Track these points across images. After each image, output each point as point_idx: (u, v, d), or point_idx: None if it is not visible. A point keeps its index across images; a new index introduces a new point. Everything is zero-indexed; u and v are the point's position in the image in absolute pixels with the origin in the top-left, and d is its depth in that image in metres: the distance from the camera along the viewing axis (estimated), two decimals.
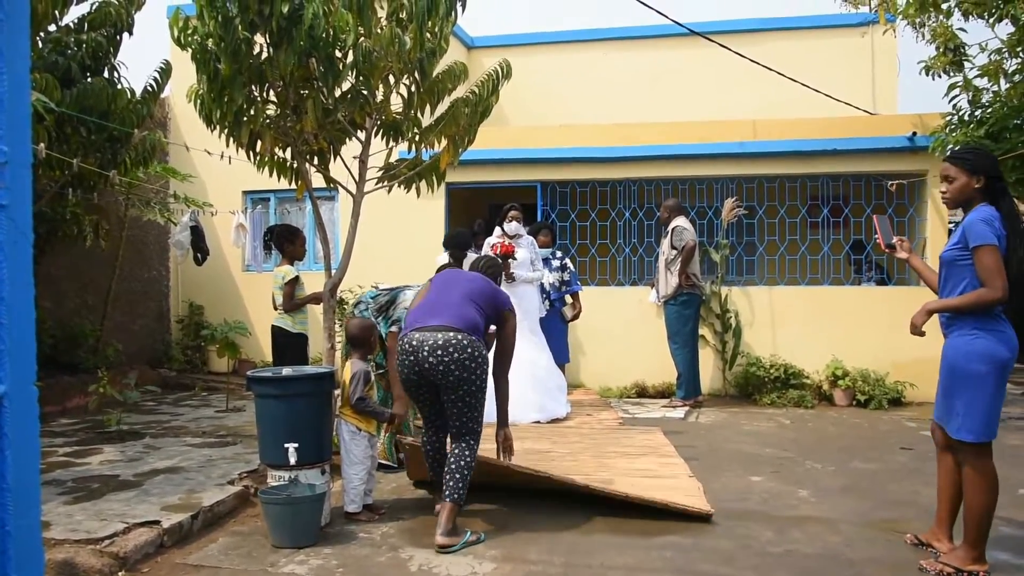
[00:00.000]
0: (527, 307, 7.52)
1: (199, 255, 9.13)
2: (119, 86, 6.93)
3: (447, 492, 4.23)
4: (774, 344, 9.12)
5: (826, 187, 9.38)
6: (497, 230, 7.96)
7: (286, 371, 4.58)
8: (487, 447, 4.73)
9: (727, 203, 9.07)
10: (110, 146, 6.99)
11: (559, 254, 8.65)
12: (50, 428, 6.99)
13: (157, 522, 4.20)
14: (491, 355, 4.61)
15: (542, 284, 8.21)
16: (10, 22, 2.03)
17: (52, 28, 6.83)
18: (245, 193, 10.69)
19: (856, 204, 9.35)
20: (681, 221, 8.56)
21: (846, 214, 9.30)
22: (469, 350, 4.21)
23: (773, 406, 8.54)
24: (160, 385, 9.66)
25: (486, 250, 7.53)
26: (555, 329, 8.36)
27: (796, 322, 9.13)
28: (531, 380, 7.26)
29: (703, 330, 9.20)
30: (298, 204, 10.53)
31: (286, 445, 4.27)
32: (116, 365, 9.12)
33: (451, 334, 4.21)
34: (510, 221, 7.86)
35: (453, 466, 4.27)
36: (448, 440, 4.55)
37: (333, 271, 6.03)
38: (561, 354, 8.40)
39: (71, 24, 6.97)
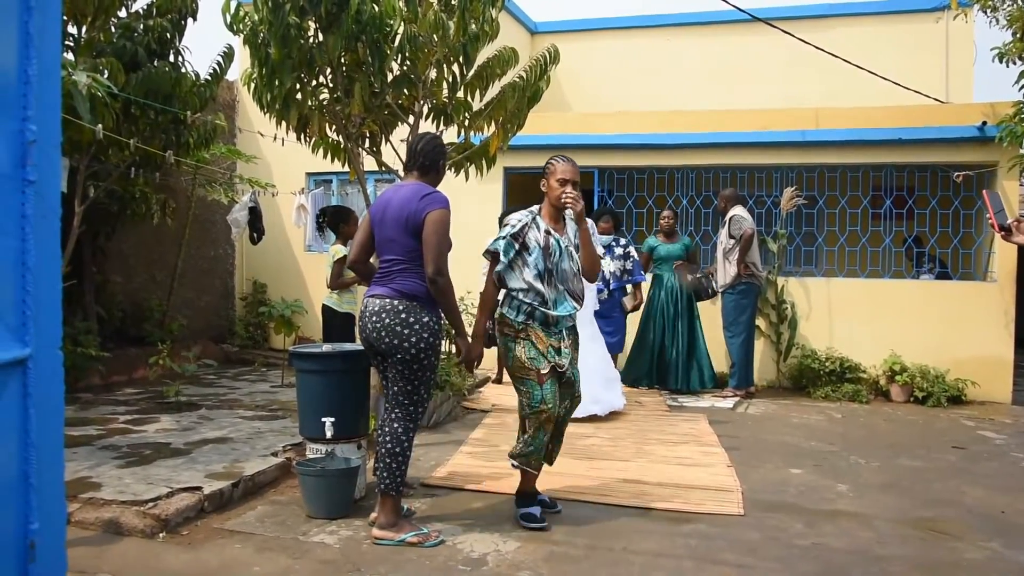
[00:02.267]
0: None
1: (255, 234, 9.39)
2: (183, 70, 7.18)
3: (378, 483, 3.99)
4: (830, 337, 8.95)
5: (890, 177, 9.14)
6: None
7: (326, 347, 4.72)
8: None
9: (786, 192, 8.92)
10: (174, 128, 7.25)
11: (622, 241, 8.31)
12: (114, 397, 7.32)
13: (199, 488, 4.39)
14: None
15: (603, 273, 7.84)
16: (41, 10, 2.17)
17: (122, 14, 7.11)
18: (308, 175, 10.93)
19: (920, 195, 9.08)
20: (739, 210, 8.46)
21: (910, 206, 9.05)
22: (403, 315, 3.93)
23: (827, 400, 8.39)
24: (222, 360, 10.01)
25: None
26: (614, 319, 8.12)
27: (854, 315, 8.94)
28: (585, 373, 6.89)
29: (758, 320, 9.09)
30: (358, 186, 10.71)
31: (323, 419, 4.41)
32: (181, 339, 9.47)
33: (386, 300, 3.97)
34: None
35: (381, 451, 3.99)
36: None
37: None
38: (616, 345, 8.14)
39: (139, 10, 7.25)
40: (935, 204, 8.93)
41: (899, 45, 11.02)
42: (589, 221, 6.88)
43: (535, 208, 4.54)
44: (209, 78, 7.45)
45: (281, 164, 10.65)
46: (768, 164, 9.34)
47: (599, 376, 6.98)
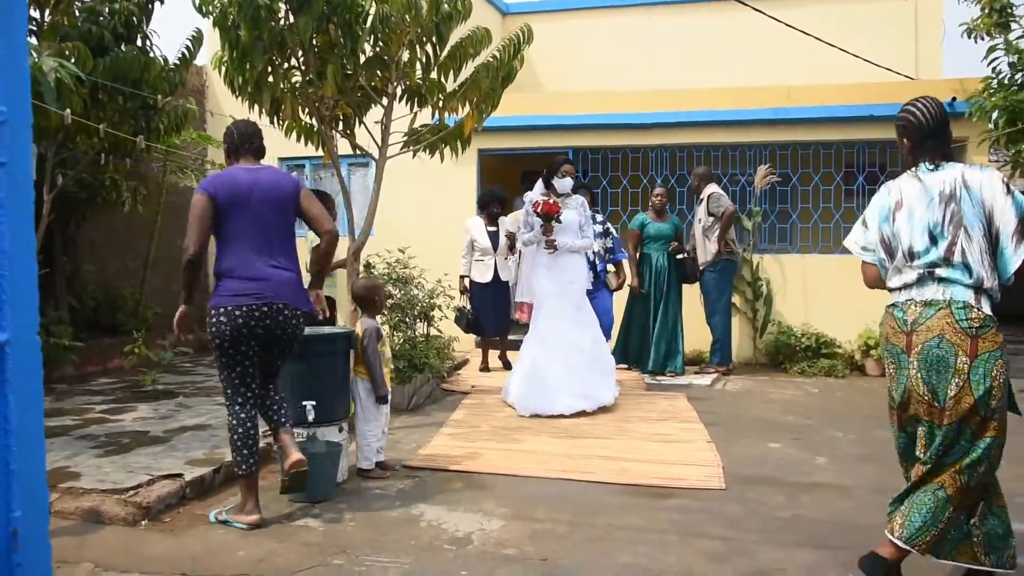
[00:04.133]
0: (571, 279, 6.52)
1: None
2: (151, 54, 7.06)
3: (285, 419, 4.11)
4: (806, 313, 9.04)
5: (862, 154, 9.21)
6: (538, 186, 6.67)
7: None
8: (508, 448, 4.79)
9: (760, 170, 8.97)
10: (143, 113, 7.14)
11: (600, 218, 8.02)
12: (89, 387, 7.24)
13: (180, 475, 4.36)
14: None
15: (585, 253, 7.24)
16: None
17: None
18: (281, 160, 10.81)
19: (892, 171, 9.14)
20: (715, 188, 8.49)
21: (882, 181, 9.08)
22: (304, 295, 4.21)
23: (803, 375, 8.48)
24: (198, 347, 9.90)
25: (526, 207, 6.58)
26: (602, 302, 7.73)
27: (829, 291, 9.02)
28: (574, 363, 6.34)
29: (734, 297, 9.15)
30: (331, 170, 10.61)
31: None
32: (155, 327, 9.37)
33: (293, 282, 4.13)
34: (563, 176, 6.52)
35: (283, 397, 4.23)
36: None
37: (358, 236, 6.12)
38: (605, 329, 7.45)
39: None
40: None
41: (870, 23, 11.05)
42: (579, 197, 6.74)
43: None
44: (178, 63, 7.34)
45: None
46: (742, 142, 9.40)
47: (591, 367, 6.46)
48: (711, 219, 8.34)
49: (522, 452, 5.29)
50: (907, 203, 3.15)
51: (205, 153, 10.46)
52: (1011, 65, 7.45)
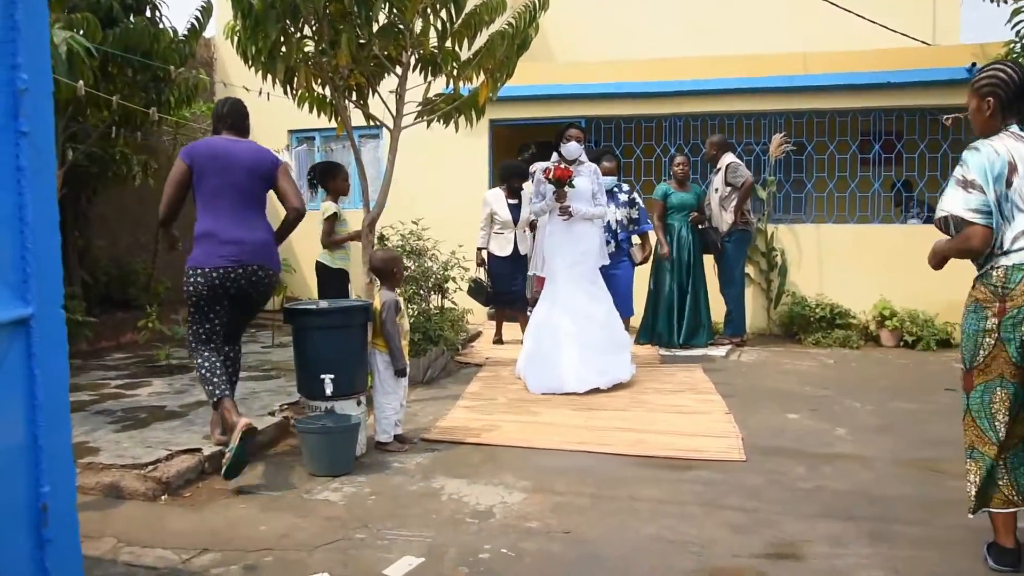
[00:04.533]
0: (585, 249, 6.32)
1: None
2: (161, 25, 6.98)
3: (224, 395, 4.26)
4: (820, 283, 8.97)
5: (878, 122, 9.09)
6: (554, 156, 6.54)
7: (322, 304, 4.66)
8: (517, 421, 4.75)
9: (775, 139, 8.85)
10: (154, 86, 7.08)
11: (626, 187, 7.68)
12: (103, 362, 7.24)
13: (199, 450, 4.35)
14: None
15: (608, 223, 7.20)
16: None
17: None
18: (290, 132, 10.77)
19: (909, 140, 9.05)
20: (733, 158, 8.38)
21: (898, 150, 9.01)
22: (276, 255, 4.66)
23: (817, 346, 8.43)
24: None
25: (537, 175, 6.48)
26: (622, 276, 7.40)
27: (844, 261, 8.95)
28: (588, 337, 6.15)
29: (748, 268, 9.09)
30: (342, 142, 10.54)
31: (322, 376, 4.36)
32: (168, 302, 9.35)
33: (267, 243, 4.55)
34: (568, 142, 6.35)
35: (232, 369, 4.54)
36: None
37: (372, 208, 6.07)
38: (625, 306, 7.30)
39: None
40: (924, 148, 8.91)
41: None
42: (591, 164, 6.56)
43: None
44: (187, 34, 7.25)
45: (262, 122, 10.33)
46: (756, 111, 9.28)
47: (605, 341, 6.25)
48: (728, 189, 8.24)
49: (539, 424, 5.27)
50: (1022, 164, 3.03)
51: None
52: None
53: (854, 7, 9.68)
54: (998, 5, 7.64)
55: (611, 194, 7.33)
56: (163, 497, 3.93)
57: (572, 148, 6.36)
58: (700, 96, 9.22)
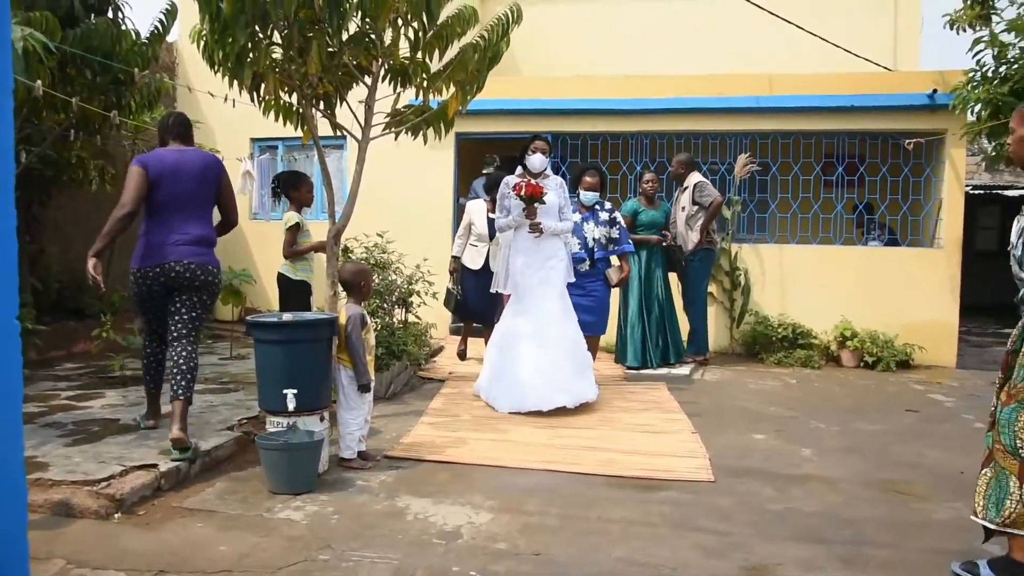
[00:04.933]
0: (553, 265, 6.17)
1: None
2: (123, 27, 6.80)
3: (181, 393, 4.50)
4: (783, 303, 9.03)
5: (842, 145, 9.21)
6: (519, 169, 6.44)
7: (286, 317, 4.54)
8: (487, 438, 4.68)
9: (740, 159, 8.92)
10: (114, 89, 6.87)
11: (607, 205, 7.33)
12: (54, 372, 7.01)
13: (155, 465, 4.19)
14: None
15: (585, 240, 7.02)
16: None
17: None
18: (253, 140, 10.60)
19: (872, 163, 9.18)
20: (699, 176, 8.39)
21: (861, 173, 9.12)
22: (213, 255, 4.94)
23: (780, 366, 8.47)
24: None
25: (502, 190, 6.31)
26: (597, 295, 7.11)
27: (806, 281, 9.03)
28: (554, 355, 5.97)
29: (712, 287, 9.13)
30: (306, 152, 10.42)
31: (284, 391, 4.24)
32: (123, 311, 9.11)
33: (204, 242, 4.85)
34: (533, 153, 6.25)
35: (185, 367, 4.58)
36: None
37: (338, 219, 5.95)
38: (598, 324, 7.14)
39: None
40: (886, 171, 9.03)
41: (849, 11, 11.01)
42: (555, 177, 6.43)
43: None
44: (151, 37, 7.07)
45: (225, 130, 10.29)
46: (722, 130, 9.34)
47: (571, 360, 6.07)
48: (695, 208, 8.26)
49: (505, 442, 5.19)
50: None
51: None
52: (994, 58, 7.45)
53: (820, 31, 9.84)
54: (958, 33, 7.79)
55: (592, 211, 7.17)
56: (116, 515, 3.77)
57: (536, 161, 6.25)
58: (667, 114, 9.26)
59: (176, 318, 4.71)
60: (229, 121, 9.31)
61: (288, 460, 4.13)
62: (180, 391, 4.50)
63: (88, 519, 3.73)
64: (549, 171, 6.42)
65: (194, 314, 4.74)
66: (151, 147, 9.02)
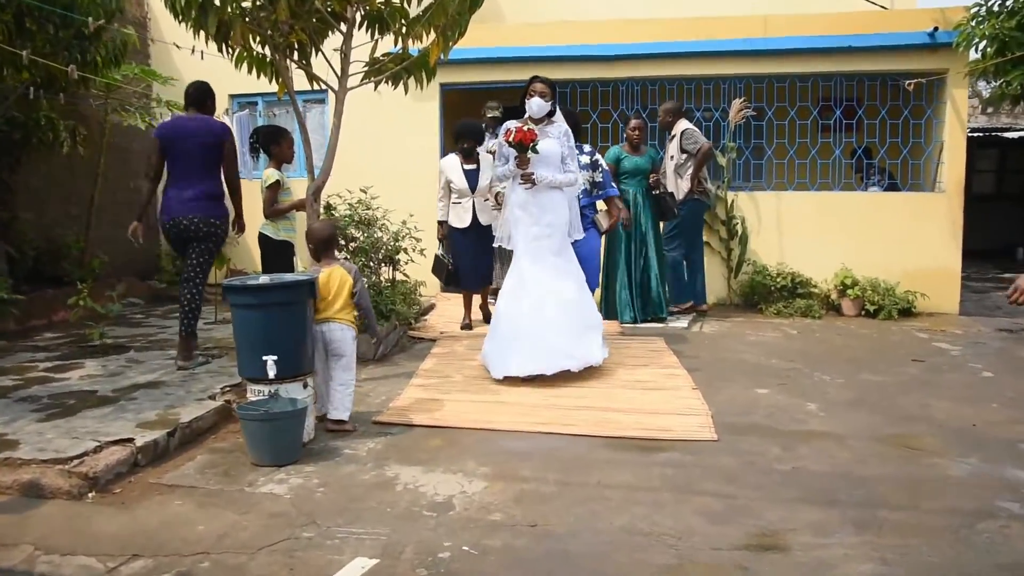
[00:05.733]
0: (551, 220, 5.66)
1: None
2: None
3: (185, 328, 5.61)
4: (781, 252, 8.82)
5: (839, 87, 8.90)
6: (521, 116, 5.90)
7: (263, 279, 4.29)
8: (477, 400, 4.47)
9: (735, 104, 8.63)
10: (78, 44, 6.52)
11: (588, 148, 6.89)
12: (33, 343, 6.76)
13: (131, 440, 3.98)
14: None
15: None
16: None
17: None
18: (231, 96, 10.24)
19: (870, 105, 8.89)
20: (686, 124, 8.13)
21: (859, 116, 8.84)
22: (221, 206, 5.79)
23: (779, 316, 8.29)
24: (149, 297, 9.45)
25: (500, 137, 5.79)
26: (588, 246, 6.55)
27: (804, 229, 8.81)
28: (555, 316, 5.55)
29: (708, 237, 8.91)
30: (286, 107, 10.04)
31: (264, 357, 4.02)
32: (103, 277, 8.85)
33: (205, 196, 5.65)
34: (531, 97, 5.68)
35: (189, 307, 5.58)
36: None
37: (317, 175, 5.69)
38: (591, 279, 6.47)
39: None
40: (885, 114, 8.76)
41: None
42: (562, 124, 5.84)
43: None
44: None
45: None
46: (716, 75, 9.03)
47: (573, 320, 5.62)
48: (684, 156, 8.00)
49: (498, 404, 4.99)
50: None
51: (150, 89, 9.81)
52: None
53: None
54: None
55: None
56: (90, 495, 3.57)
57: (535, 105, 5.65)
58: (658, 59, 8.95)
59: (186, 263, 5.63)
60: (205, 76, 8.89)
61: (270, 430, 3.93)
62: (183, 327, 5.59)
63: (60, 500, 3.52)
64: (558, 117, 5.87)
65: (200, 259, 5.60)
66: (122, 105, 8.77)
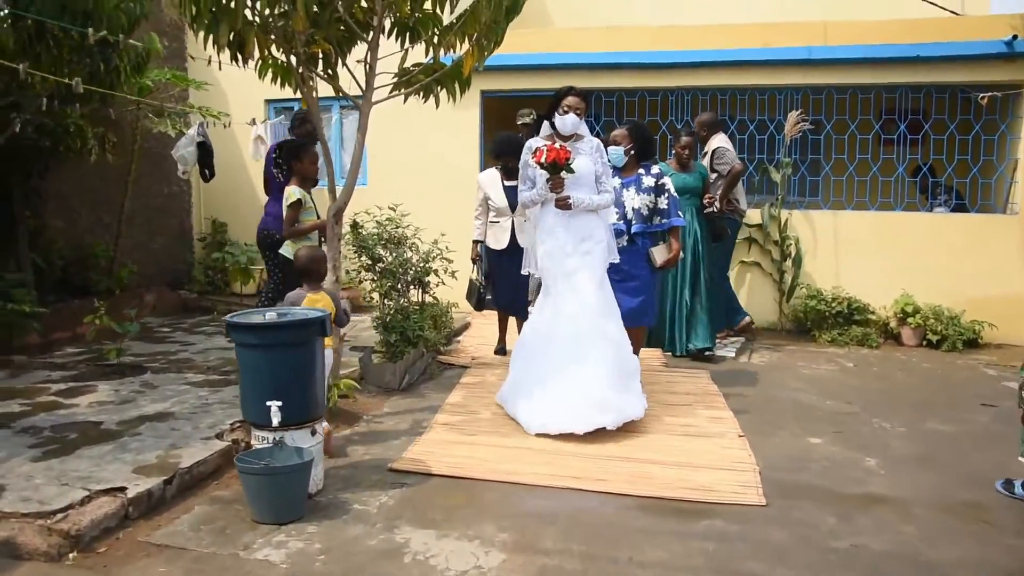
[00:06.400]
0: (588, 249, 5.07)
1: (206, 171, 8.50)
2: None
3: None
4: (837, 275, 8.29)
5: (904, 100, 8.33)
6: (544, 128, 5.30)
7: (270, 315, 3.96)
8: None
9: (791, 116, 8.11)
10: (101, 51, 6.27)
11: (655, 169, 6.03)
12: (52, 359, 6.56)
13: (123, 489, 3.67)
14: None
15: (624, 209, 5.80)
16: None
17: None
18: (268, 102, 10.00)
19: (938, 120, 8.29)
20: (722, 140, 7.59)
21: (926, 130, 8.27)
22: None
23: (834, 344, 7.77)
24: (179, 308, 9.24)
25: (525, 157, 5.22)
26: (641, 277, 5.82)
27: (863, 251, 8.26)
28: (594, 362, 4.90)
29: (759, 257, 8.42)
30: (326, 114, 9.77)
31: (268, 403, 3.69)
32: (132, 287, 8.68)
33: None
34: (565, 113, 5.09)
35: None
36: None
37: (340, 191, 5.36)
38: (643, 313, 5.80)
39: None
40: (953, 129, 8.17)
41: None
42: (593, 140, 5.29)
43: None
44: None
45: (238, 91, 9.71)
46: (771, 85, 8.51)
47: (612, 368, 4.96)
48: (714, 176, 7.50)
49: (526, 451, 4.59)
50: None
51: (186, 95, 9.60)
52: None
53: None
54: None
55: (634, 175, 5.96)
56: (71, 555, 3.26)
57: (569, 122, 5.07)
58: (710, 68, 8.46)
59: None
60: (242, 82, 8.67)
61: (271, 486, 3.59)
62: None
63: (37, 561, 3.22)
64: (584, 131, 5.23)
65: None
66: (156, 111, 8.55)
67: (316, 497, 3.89)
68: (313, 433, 3.90)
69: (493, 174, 6.80)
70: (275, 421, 3.70)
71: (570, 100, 5.11)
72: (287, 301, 4.54)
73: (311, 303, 4.43)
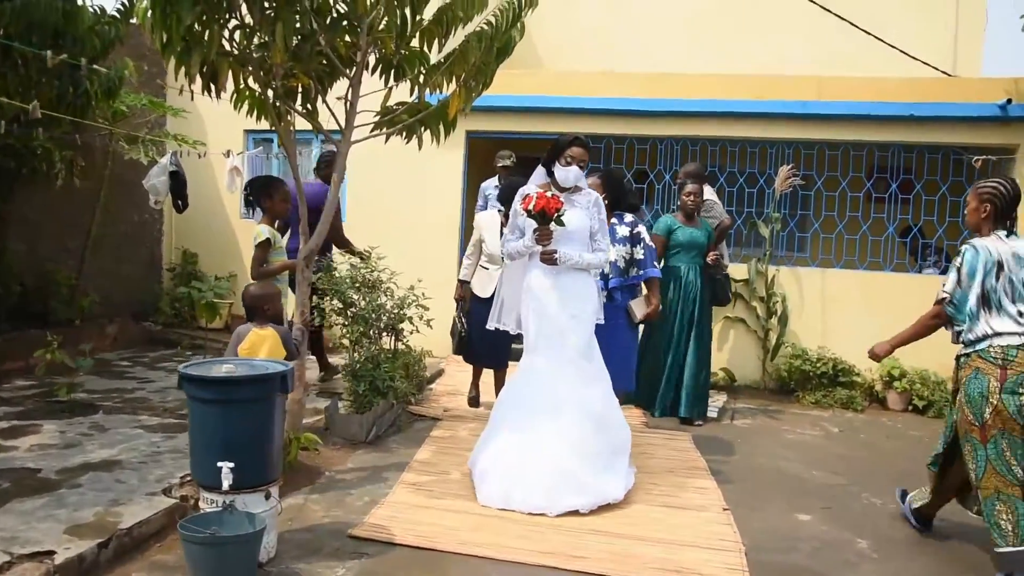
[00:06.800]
0: (576, 311, 4.70)
1: (179, 202, 8.21)
2: (80, 1, 5.91)
3: None
4: (823, 335, 8.08)
5: (896, 158, 8.21)
6: (538, 173, 4.94)
7: (225, 368, 3.65)
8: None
9: (782, 171, 7.93)
10: (70, 74, 5.98)
11: (628, 218, 5.87)
12: (0, 392, 6.19)
13: (51, 553, 3.33)
14: None
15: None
16: None
17: None
18: (247, 132, 9.73)
19: (930, 180, 8.16)
20: (710, 193, 7.32)
21: (917, 190, 8.14)
22: None
23: (818, 406, 7.54)
24: (144, 340, 8.87)
25: (515, 205, 4.82)
26: (617, 338, 5.55)
27: (850, 311, 8.07)
28: (574, 437, 4.52)
29: (743, 313, 8.22)
30: (305, 147, 9.51)
31: (219, 464, 3.38)
32: (94, 317, 8.32)
33: None
34: (568, 164, 4.72)
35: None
36: None
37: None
38: (621, 376, 5.41)
39: None
40: (945, 191, 8.04)
41: (905, 8, 9.95)
42: (592, 193, 4.92)
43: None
44: (117, 14, 6.19)
45: (216, 120, 9.43)
46: (763, 138, 8.36)
47: (596, 443, 4.58)
48: None
49: (498, 519, 4.27)
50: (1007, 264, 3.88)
51: (164, 121, 9.33)
52: None
53: (871, 30, 8.85)
54: None
55: (611, 225, 5.78)
56: None
57: (573, 174, 4.71)
58: (702, 118, 8.31)
59: None
60: (221, 111, 8.39)
61: (216, 557, 3.25)
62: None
63: None
64: (583, 183, 4.88)
65: None
66: (129, 138, 8.26)
67: (267, 567, 3.57)
68: (267, 497, 3.58)
69: (493, 217, 6.41)
70: (226, 484, 3.38)
71: (575, 151, 4.73)
72: (234, 335, 4.35)
73: (258, 338, 4.29)
